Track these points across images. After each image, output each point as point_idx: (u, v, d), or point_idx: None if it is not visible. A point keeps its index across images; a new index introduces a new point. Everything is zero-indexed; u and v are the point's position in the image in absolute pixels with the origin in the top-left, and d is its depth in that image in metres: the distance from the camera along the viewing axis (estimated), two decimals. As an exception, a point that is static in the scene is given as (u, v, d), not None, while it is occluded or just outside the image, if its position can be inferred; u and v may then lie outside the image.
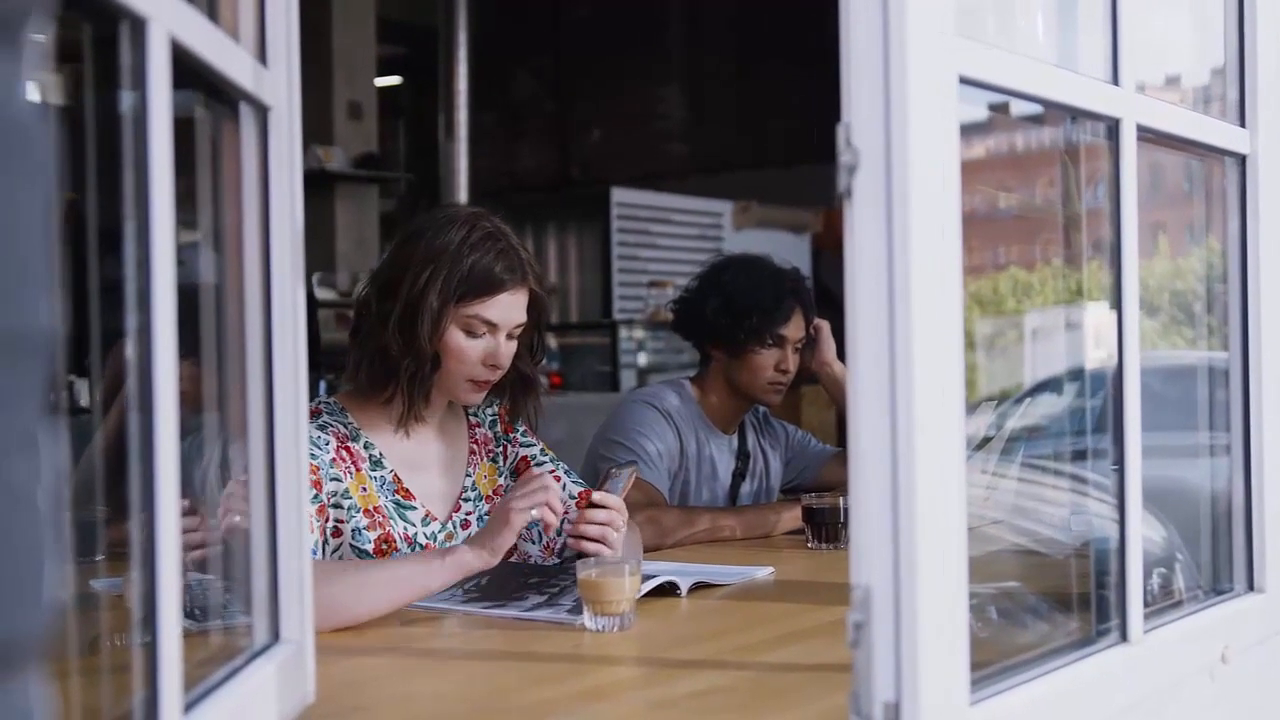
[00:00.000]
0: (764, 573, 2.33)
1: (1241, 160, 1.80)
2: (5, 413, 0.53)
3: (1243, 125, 1.79)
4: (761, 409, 3.18)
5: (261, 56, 1.34)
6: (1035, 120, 1.75)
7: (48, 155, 0.56)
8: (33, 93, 0.56)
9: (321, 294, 6.94)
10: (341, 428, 2.18)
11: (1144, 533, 1.54)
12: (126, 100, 1.01)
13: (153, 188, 1.01)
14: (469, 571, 1.96)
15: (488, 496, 2.33)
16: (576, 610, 1.88)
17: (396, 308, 2.14)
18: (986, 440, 2.20)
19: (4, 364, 0.53)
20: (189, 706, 1.09)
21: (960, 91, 1.23)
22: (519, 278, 2.19)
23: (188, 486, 1.07)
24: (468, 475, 2.32)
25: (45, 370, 0.56)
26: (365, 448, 2.20)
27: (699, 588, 2.15)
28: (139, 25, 0.99)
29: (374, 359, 2.18)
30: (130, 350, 1.01)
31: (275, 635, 1.37)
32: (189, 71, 1.11)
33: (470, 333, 2.17)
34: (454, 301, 2.14)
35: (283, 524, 1.37)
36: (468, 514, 2.29)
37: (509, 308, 2.19)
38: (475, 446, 2.35)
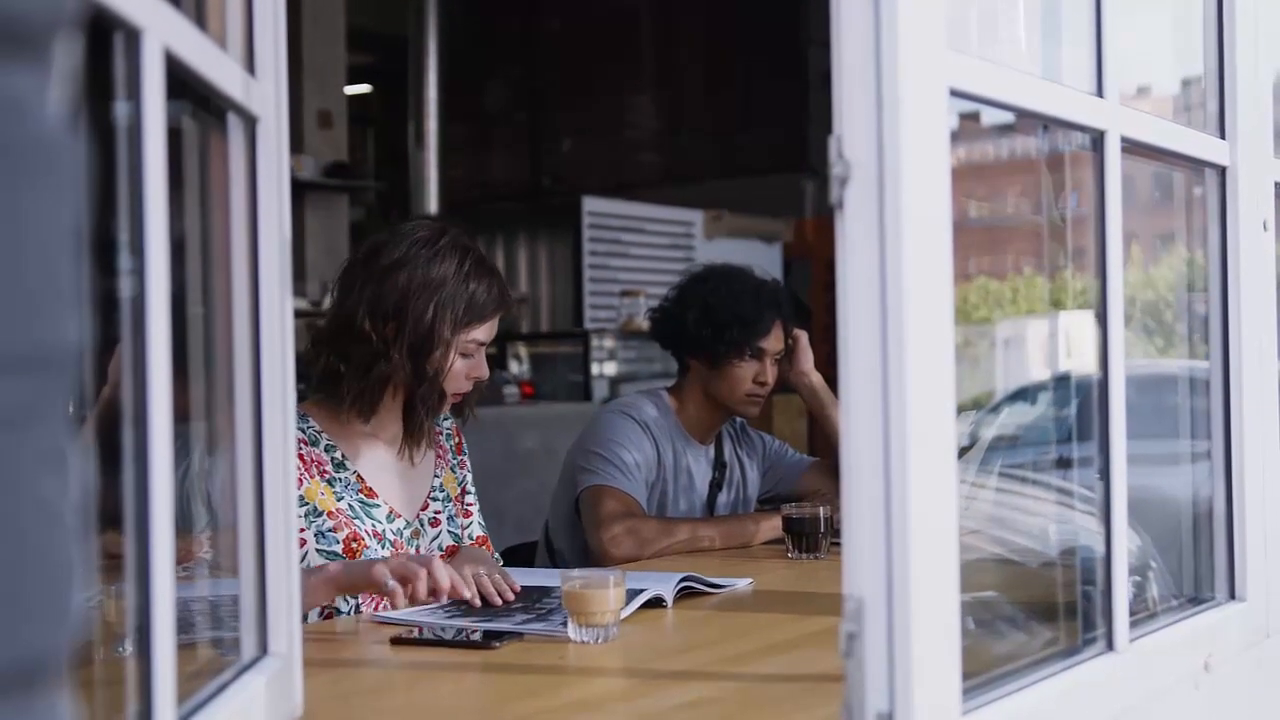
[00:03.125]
0: (744, 584, 2.33)
1: (1221, 171, 1.81)
2: (36, 428, 0.53)
3: (1222, 137, 1.81)
4: (738, 419, 3.18)
5: (250, 67, 1.34)
6: (1007, 130, 1.76)
7: (77, 169, 0.56)
8: (60, 105, 0.56)
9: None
10: (299, 433, 2.20)
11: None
12: (120, 110, 1.01)
13: (147, 197, 1.00)
14: (338, 588, 1.99)
15: (455, 498, 2.42)
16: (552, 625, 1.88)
17: (403, 340, 2.19)
18: (964, 450, 2.20)
19: (35, 379, 0.53)
20: (180, 721, 1.08)
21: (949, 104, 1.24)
22: (508, 298, 2.32)
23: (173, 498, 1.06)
24: (436, 476, 2.39)
25: (72, 386, 0.56)
26: (326, 450, 2.25)
27: (685, 595, 2.15)
28: (133, 36, 0.99)
29: (377, 386, 2.22)
30: (125, 361, 1.00)
31: (263, 649, 1.36)
32: (179, 82, 1.11)
33: (464, 355, 2.27)
34: (462, 329, 2.23)
35: (270, 537, 1.36)
36: (436, 512, 2.37)
37: (496, 326, 2.31)
38: (441, 450, 2.43)
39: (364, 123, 10.00)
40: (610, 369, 7.41)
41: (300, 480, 2.17)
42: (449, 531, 2.37)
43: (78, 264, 0.57)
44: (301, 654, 1.41)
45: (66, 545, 0.55)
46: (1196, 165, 1.82)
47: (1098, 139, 1.52)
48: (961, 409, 2.27)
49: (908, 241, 1.15)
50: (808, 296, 7.46)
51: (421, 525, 2.33)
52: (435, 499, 2.37)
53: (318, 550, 2.16)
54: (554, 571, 2.27)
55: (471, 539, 2.38)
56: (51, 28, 0.55)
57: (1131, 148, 1.58)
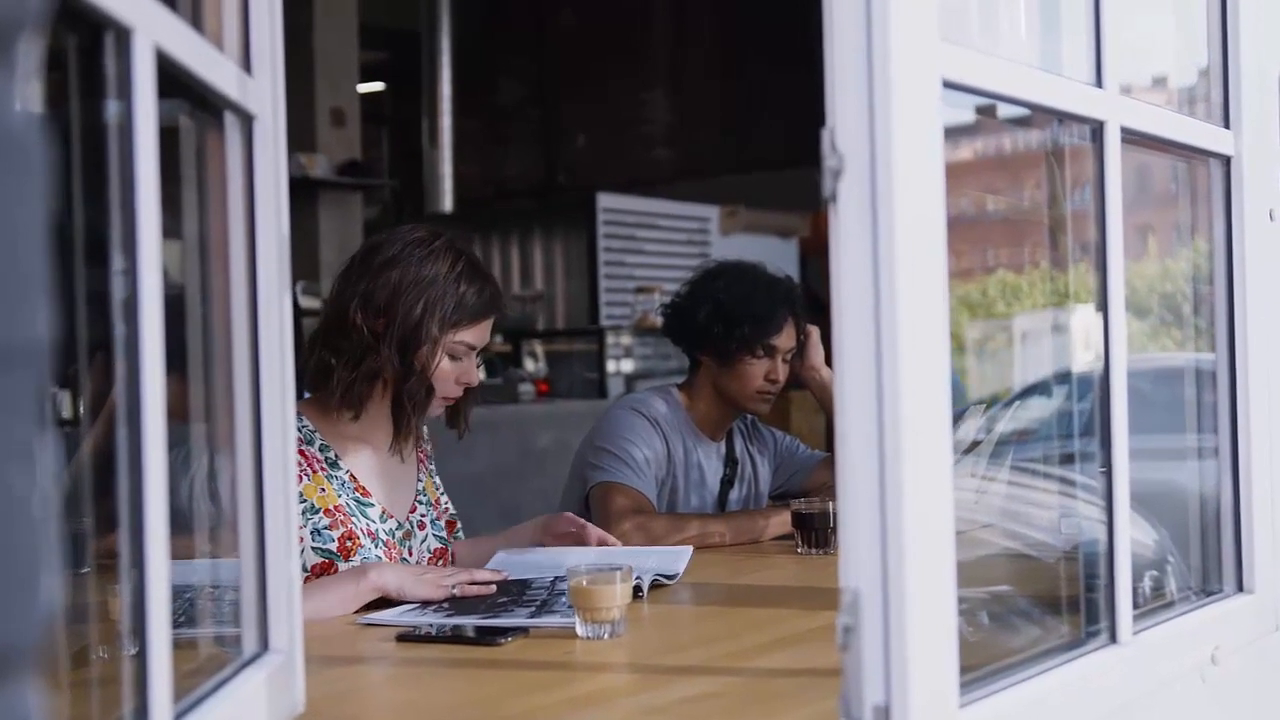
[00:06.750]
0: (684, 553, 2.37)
1: (1226, 161, 1.80)
2: (3, 421, 0.53)
3: (1227, 126, 1.80)
4: (750, 415, 3.18)
5: (246, 65, 1.34)
6: (1022, 123, 1.75)
7: (42, 166, 0.57)
8: (26, 103, 0.56)
9: (306, 302, 6.90)
10: (294, 433, 2.21)
11: (1135, 536, 1.55)
12: (111, 109, 1.01)
13: (139, 197, 1.00)
14: (381, 590, 2.08)
15: (434, 503, 2.46)
16: (568, 615, 1.88)
17: (392, 334, 2.23)
18: (976, 444, 2.20)
19: (3, 373, 0.53)
20: (178, 716, 1.09)
21: (945, 95, 1.23)
22: (499, 304, 2.34)
23: (174, 499, 1.06)
24: (419, 481, 2.44)
25: (41, 380, 0.56)
26: (321, 450, 2.28)
27: (656, 586, 2.18)
28: (124, 35, 0.99)
29: (366, 380, 2.25)
30: (118, 361, 1.00)
31: (264, 645, 1.36)
32: (173, 80, 1.11)
33: (453, 357, 2.29)
34: (449, 329, 2.25)
35: (271, 533, 1.37)
36: (422, 516, 2.42)
37: (487, 332, 2.33)
38: (422, 457, 2.47)
39: (377, 121, 10.00)
40: (626, 366, 7.40)
41: (300, 477, 2.19)
42: (434, 535, 2.43)
43: (46, 260, 0.58)
44: (303, 650, 1.42)
45: (34, 537, 0.55)
46: (1201, 155, 1.81)
47: (1097, 130, 1.51)
48: (979, 403, 2.26)
49: (900, 234, 1.15)
50: (825, 293, 7.44)
51: (411, 527, 2.37)
52: (420, 502, 2.42)
53: (314, 548, 2.19)
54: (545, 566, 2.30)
55: (430, 551, 2.40)
56: (17, 27, 0.55)
57: (1133, 138, 1.57)
